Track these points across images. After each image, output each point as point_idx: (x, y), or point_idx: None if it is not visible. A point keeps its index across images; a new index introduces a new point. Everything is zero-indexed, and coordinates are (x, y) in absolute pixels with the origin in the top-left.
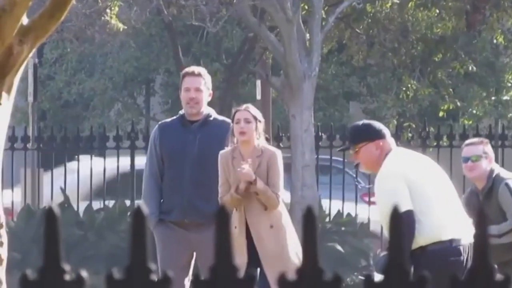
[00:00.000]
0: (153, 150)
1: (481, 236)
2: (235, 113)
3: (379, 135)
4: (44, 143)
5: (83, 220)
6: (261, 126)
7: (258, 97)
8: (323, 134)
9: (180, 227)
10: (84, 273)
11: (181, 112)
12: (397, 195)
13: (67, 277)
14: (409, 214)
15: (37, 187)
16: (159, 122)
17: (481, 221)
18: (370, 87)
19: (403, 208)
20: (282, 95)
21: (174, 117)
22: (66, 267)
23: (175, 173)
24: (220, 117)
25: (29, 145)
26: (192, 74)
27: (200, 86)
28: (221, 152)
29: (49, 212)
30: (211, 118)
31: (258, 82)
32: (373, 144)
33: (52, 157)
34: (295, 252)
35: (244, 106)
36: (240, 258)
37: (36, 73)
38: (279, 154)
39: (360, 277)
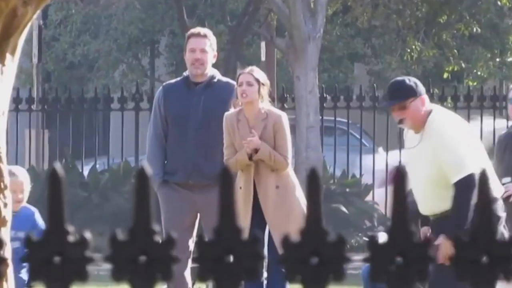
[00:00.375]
0: (157, 111)
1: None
2: (239, 75)
3: (423, 91)
4: (49, 105)
5: (87, 181)
6: (264, 89)
7: (263, 58)
8: (327, 95)
9: (184, 188)
10: (88, 234)
11: (185, 73)
12: (470, 150)
13: (71, 238)
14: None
15: (41, 148)
16: (163, 83)
17: (484, 180)
18: (374, 48)
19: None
20: (286, 57)
21: (178, 79)
22: (70, 228)
23: (179, 134)
24: (225, 79)
25: (33, 107)
26: (198, 35)
27: (205, 47)
28: (226, 114)
29: (53, 173)
30: (216, 80)
31: (263, 44)
32: (419, 99)
33: (56, 119)
34: (302, 214)
35: (249, 68)
36: (244, 221)
37: (40, 35)
38: (284, 116)
39: (364, 238)
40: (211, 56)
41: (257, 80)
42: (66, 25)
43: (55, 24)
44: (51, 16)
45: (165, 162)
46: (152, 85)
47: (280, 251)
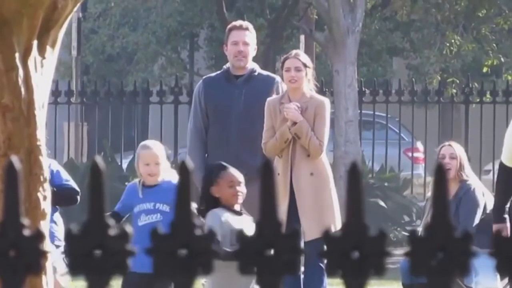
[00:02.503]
0: (197, 105)
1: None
2: (284, 60)
3: None
4: (88, 98)
5: (126, 174)
6: (310, 72)
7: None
8: (366, 89)
9: None
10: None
11: (225, 66)
12: None
13: (112, 231)
14: None
15: (80, 141)
16: (204, 77)
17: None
18: (413, 42)
19: None
20: (325, 50)
21: (219, 72)
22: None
23: (220, 128)
24: (265, 72)
25: (72, 99)
26: (240, 27)
27: (247, 39)
28: (269, 99)
29: (94, 165)
30: (256, 73)
31: (302, 37)
32: None
33: (95, 112)
34: (332, 206)
35: (294, 52)
36: (282, 207)
37: (80, 27)
38: (327, 103)
39: (403, 232)
40: (252, 49)
41: (304, 64)
42: (105, 18)
43: (94, 16)
44: (90, 9)
45: (206, 155)
46: (191, 78)
47: (308, 237)
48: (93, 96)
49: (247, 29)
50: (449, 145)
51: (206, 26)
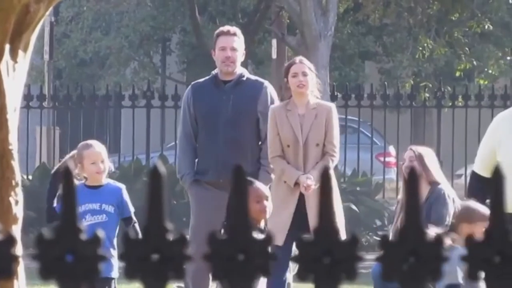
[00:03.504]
0: (186, 111)
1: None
2: (290, 66)
3: None
4: (60, 102)
5: None
6: (314, 77)
7: (274, 56)
8: (338, 93)
9: (215, 187)
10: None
11: (214, 72)
12: None
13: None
14: None
15: (52, 145)
16: (192, 83)
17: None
18: (385, 46)
19: None
20: (297, 54)
21: (207, 77)
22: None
23: (209, 133)
24: (253, 77)
25: (44, 104)
26: (228, 33)
27: (235, 45)
28: (273, 106)
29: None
30: (244, 78)
31: (274, 41)
32: None
33: (67, 116)
34: (339, 214)
35: (298, 59)
36: (285, 215)
37: (52, 32)
38: (334, 108)
39: (374, 237)
40: (241, 54)
41: (310, 69)
42: (77, 22)
43: (66, 20)
44: (63, 13)
45: (196, 160)
46: (163, 82)
47: None
48: (66, 100)
49: (235, 34)
50: (410, 149)
51: (178, 30)
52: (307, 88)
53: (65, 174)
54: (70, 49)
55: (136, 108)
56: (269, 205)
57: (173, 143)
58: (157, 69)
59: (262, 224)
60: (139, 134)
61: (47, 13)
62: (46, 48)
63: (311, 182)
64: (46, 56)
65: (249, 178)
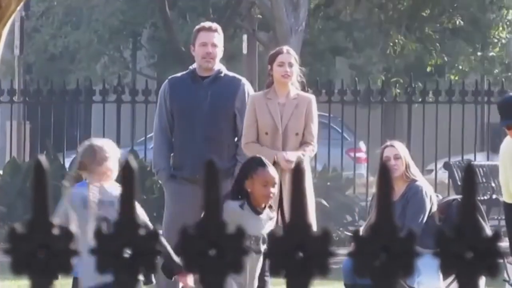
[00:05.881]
0: (162, 105)
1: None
2: (277, 55)
3: None
4: (30, 96)
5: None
6: (298, 68)
7: (245, 51)
8: (309, 89)
9: (191, 183)
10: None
11: (192, 67)
12: None
13: (56, 231)
14: None
15: (22, 140)
16: (169, 77)
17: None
18: (356, 42)
19: None
20: (268, 50)
21: (184, 72)
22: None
23: (186, 128)
24: (231, 73)
25: (15, 98)
26: (209, 29)
27: (215, 41)
28: (253, 94)
29: (37, 164)
30: (222, 74)
31: (245, 37)
32: None
33: (38, 111)
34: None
35: (285, 48)
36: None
37: (22, 26)
38: (314, 100)
39: (345, 232)
40: (220, 50)
41: (295, 59)
42: (48, 17)
43: (37, 15)
44: (33, 8)
45: (172, 155)
46: (133, 77)
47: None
48: (36, 95)
49: (216, 30)
50: (392, 145)
51: (148, 25)
52: (291, 79)
53: (36, 168)
54: (41, 44)
55: (106, 103)
56: (274, 191)
57: (143, 138)
58: (128, 64)
59: (268, 204)
60: (109, 129)
61: (19, 8)
62: (17, 42)
63: (291, 157)
64: (17, 51)
65: (263, 160)
